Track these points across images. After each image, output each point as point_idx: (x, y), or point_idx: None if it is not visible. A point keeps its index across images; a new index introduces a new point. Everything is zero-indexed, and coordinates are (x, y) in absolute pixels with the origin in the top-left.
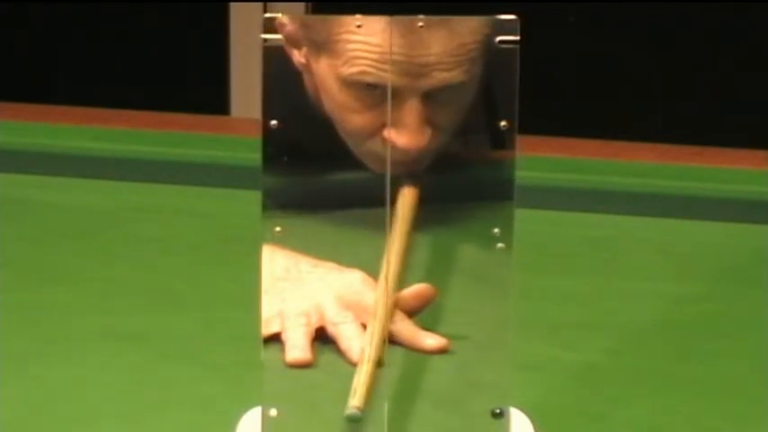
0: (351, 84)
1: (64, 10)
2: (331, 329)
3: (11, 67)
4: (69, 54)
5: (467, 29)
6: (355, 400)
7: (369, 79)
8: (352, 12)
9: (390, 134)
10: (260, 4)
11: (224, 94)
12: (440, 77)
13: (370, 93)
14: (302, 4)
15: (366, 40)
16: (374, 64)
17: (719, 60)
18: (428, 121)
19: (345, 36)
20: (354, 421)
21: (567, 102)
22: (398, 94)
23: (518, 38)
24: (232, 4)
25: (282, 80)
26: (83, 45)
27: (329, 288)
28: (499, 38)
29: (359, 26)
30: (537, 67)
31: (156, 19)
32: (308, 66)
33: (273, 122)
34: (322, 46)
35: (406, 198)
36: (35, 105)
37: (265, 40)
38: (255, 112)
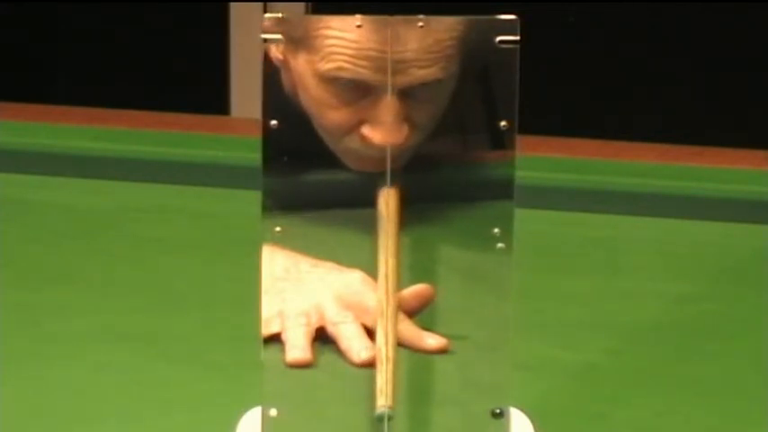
0: (328, 80)
1: (64, 10)
2: (331, 329)
3: (11, 67)
4: (69, 54)
5: (443, 26)
6: (383, 399)
7: (346, 75)
8: (352, 12)
9: (366, 131)
10: (260, 4)
11: (224, 94)
12: (417, 75)
13: (347, 89)
14: (302, 5)
15: (343, 36)
16: (351, 60)
17: (720, 60)
18: (405, 118)
19: (323, 32)
20: (382, 421)
21: (567, 102)
22: (375, 91)
23: (518, 38)
24: (232, 4)
25: (281, 79)
26: (83, 45)
27: (329, 288)
28: (499, 38)
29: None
30: (537, 67)
31: (156, 19)
32: (285, 62)
33: (273, 122)
34: (299, 42)
35: (398, 197)
36: (35, 105)
37: (265, 39)
38: (255, 112)
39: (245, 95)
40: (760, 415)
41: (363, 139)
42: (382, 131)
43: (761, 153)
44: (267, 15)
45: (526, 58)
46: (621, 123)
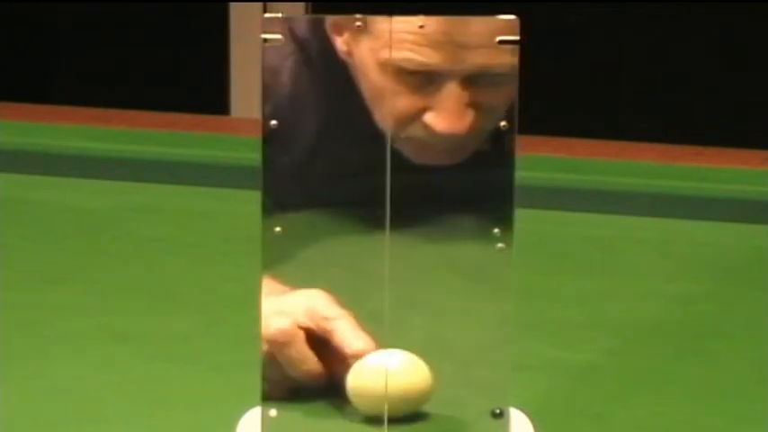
0: (391, 68)
1: (64, 10)
2: (323, 324)
3: (11, 67)
4: (69, 54)
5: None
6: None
7: (410, 64)
8: (352, 12)
9: (429, 118)
10: (260, 4)
11: (224, 94)
12: (479, 61)
13: (411, 76)
14: (302, 4)
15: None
16: (415, 47)
17: (719, 60)
18: (469, 104)
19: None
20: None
21: (567, 102)
22: (438, 78)
23: (518, 38)
24: (232, 4)
25: (281, 79)
26: (83, 45)
27: (317, 294)
28: (499, 38)
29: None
30: (537, 67)
31: (156, 19)
32: (349, 53)
33: (273, 122)
34: (363, 30)
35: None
36: (35, 105)
37: (265, 39)
38: (255, 112)
39: (245, 95)
40: (760, 415)
41: (426, 127)
42: (446, 118)
43: (761, 153)
44: (281, 16)
45: (527, 58)
46: (621, 123)
